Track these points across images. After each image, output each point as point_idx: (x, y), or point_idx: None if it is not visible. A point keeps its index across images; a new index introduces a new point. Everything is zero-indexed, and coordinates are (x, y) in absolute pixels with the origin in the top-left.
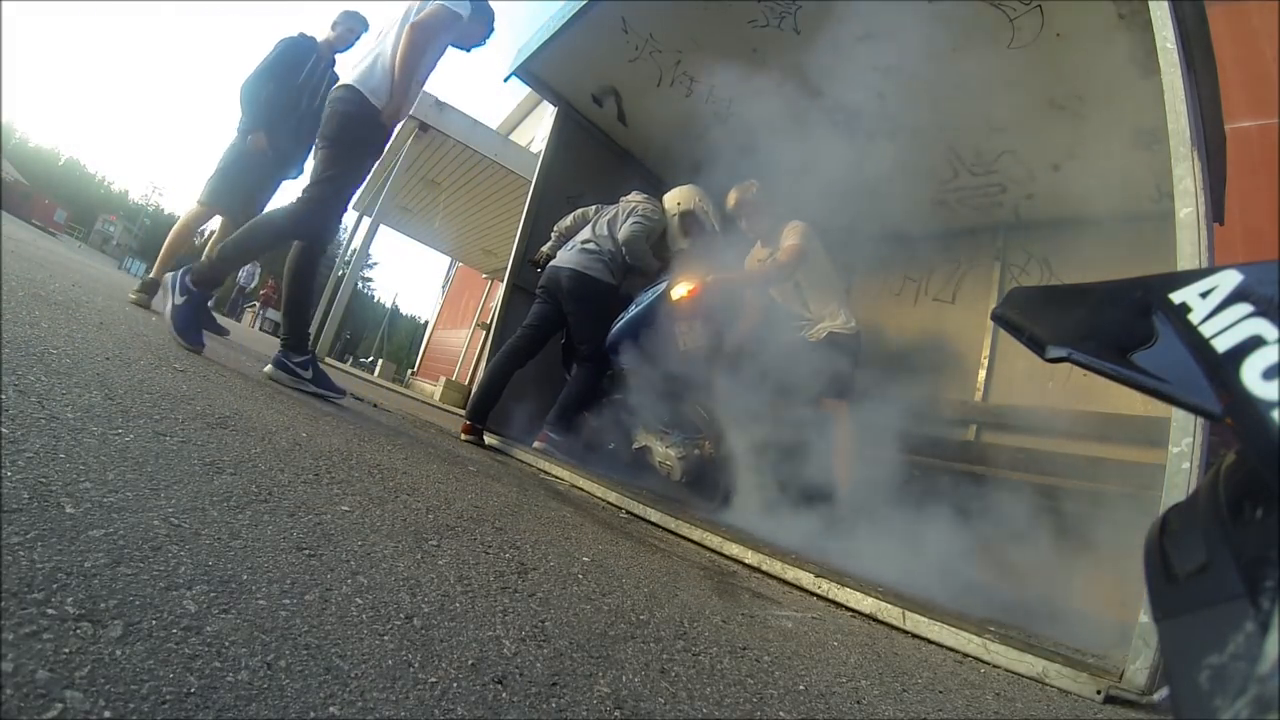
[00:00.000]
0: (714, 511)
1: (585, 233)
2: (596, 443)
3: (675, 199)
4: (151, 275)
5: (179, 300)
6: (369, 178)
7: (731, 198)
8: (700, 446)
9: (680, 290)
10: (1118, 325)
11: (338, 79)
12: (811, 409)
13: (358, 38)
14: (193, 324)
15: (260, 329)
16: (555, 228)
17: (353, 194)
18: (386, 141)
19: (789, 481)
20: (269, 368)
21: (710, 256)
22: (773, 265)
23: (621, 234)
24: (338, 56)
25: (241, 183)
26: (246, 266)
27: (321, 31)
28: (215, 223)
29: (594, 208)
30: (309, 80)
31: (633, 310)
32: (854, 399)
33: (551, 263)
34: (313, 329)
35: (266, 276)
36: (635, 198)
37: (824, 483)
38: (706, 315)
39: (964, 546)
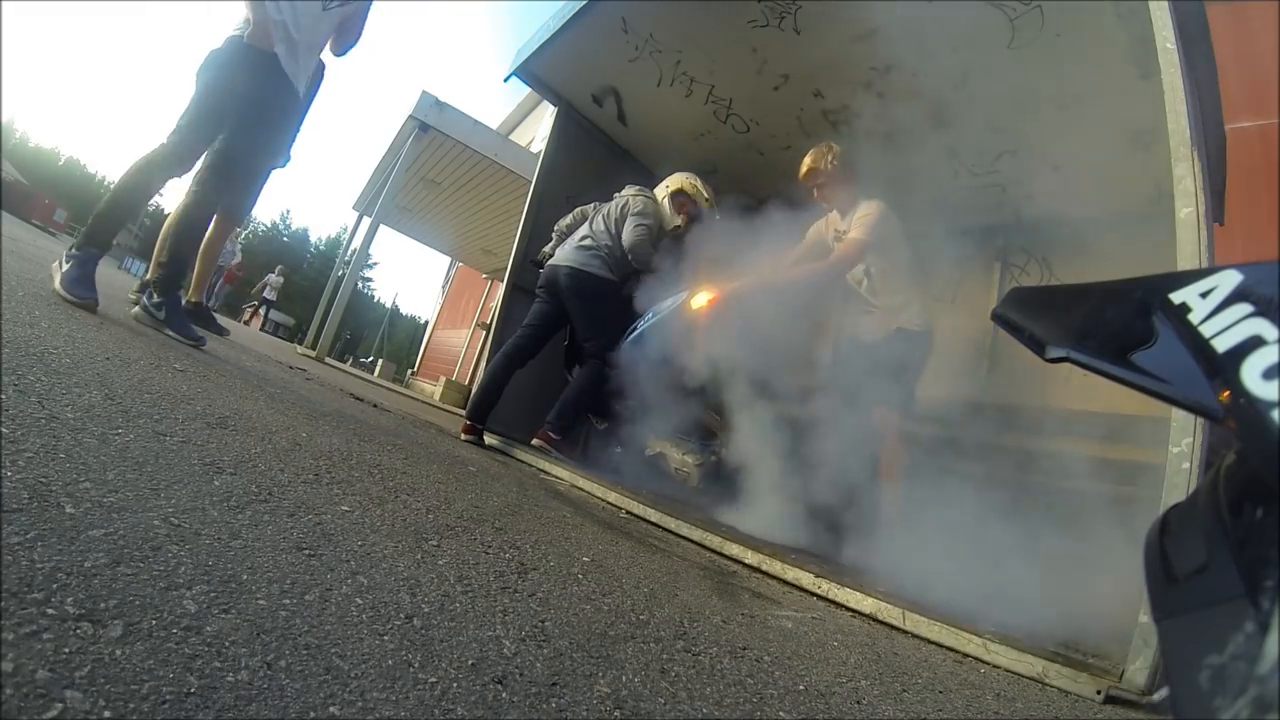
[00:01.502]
0: (733, 517)
1: (583, 229)
2: (601, 445)
3: (665, 183)
4: (149, 275)
5: (160, 314)
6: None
7: (805, 165)
8: (717, 453)
9: (700, 300)
10: (1118, 325)
11: (324, 67)
12: (862, 416)
13: None
14: (182, 322)
15: (262, 329)
16: (555, 228)
17: (250, 134)
18: (263, 66)
19: (819, 494)
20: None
21: (710, 242)
22: (824, 265)
23: (626, 240)
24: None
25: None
26: (226, 247)
27: None
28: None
29: (592, 206)
30: None
31: (650, 318)
32: (912, 405)
33: (550, 261)
34: (312, 328)
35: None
36: (629, 191)
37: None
38: (728, 324)
39: (963, 546)
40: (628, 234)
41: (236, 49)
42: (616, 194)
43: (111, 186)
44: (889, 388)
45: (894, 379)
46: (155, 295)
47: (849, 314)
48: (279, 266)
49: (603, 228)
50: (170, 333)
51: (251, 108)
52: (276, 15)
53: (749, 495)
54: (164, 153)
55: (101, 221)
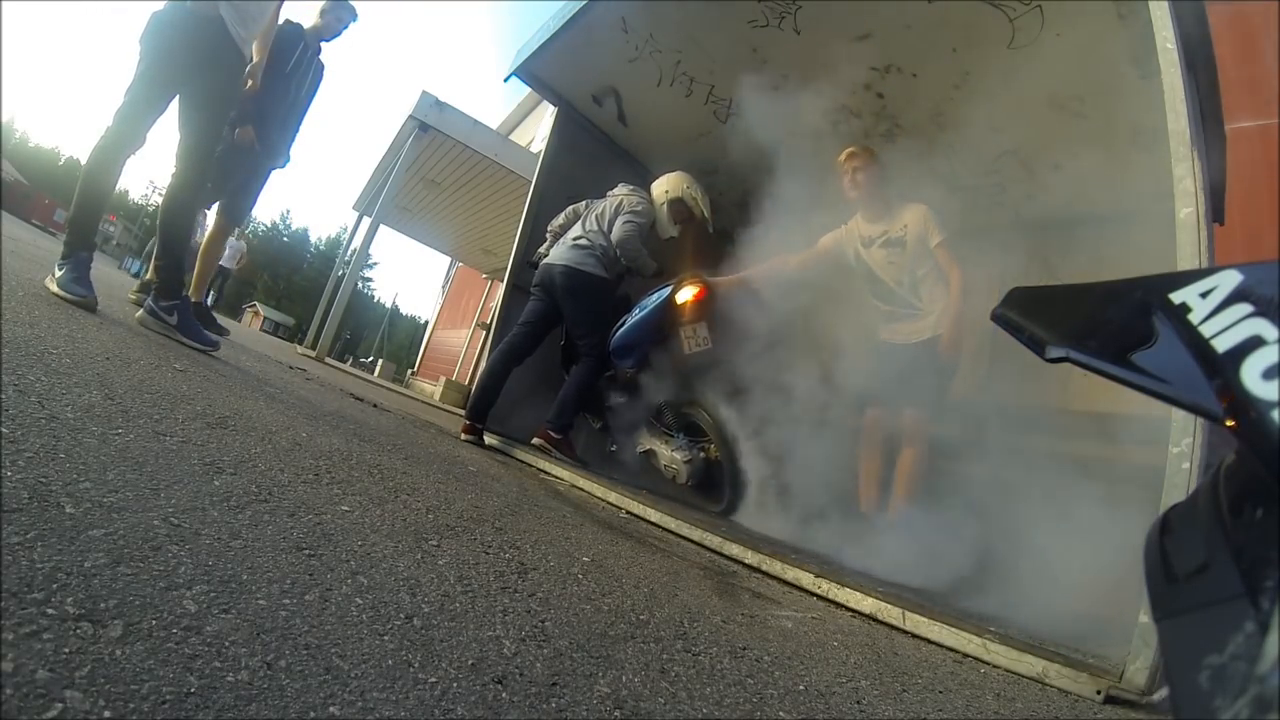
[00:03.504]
0: (720, 515)
1: (576, 229)
2: (598, 442)
3: (663, 186)
4: (149, 276)
5: (170, 320)
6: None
7: (844, 152)
8: (706, 450)
9: (686, 294)
10: (1118, 325)
11: (324, 67)
12: (889, 418)
13: (345, 26)
14: (195, 327)
15: (261, 329)
16: (549, 228)
17: (203, 107)
18: (208, 29)
19: (814, 491)
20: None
21: (700, 245)
22: (958, 293)
23: (615, 236)
24: (324, 45)
25: (232, 175)
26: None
27: (309, 19)
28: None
29: (584, 203)
30: (296, 69)
31: (637, 314)
32: (938, 411)
33: (544, 260)
34: (312, 328)
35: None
36: (621, 191)
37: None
38: (713, 318)
39: (963, 546)
40: (617, 230)
41: (179, 11)
42: (610, 192)
43: (77, 185)
44: (926, 391)
45: (932, 383)
46: (161, 300)
47: (889, 316)
48: (237, 229)
49: (596, 227)
50: (184, 339)
51: (200, 76)
52: None
53: (773, 499)
54: (113, 133)
55: (77, 225)
